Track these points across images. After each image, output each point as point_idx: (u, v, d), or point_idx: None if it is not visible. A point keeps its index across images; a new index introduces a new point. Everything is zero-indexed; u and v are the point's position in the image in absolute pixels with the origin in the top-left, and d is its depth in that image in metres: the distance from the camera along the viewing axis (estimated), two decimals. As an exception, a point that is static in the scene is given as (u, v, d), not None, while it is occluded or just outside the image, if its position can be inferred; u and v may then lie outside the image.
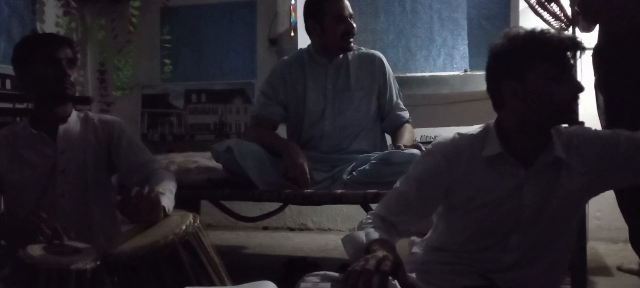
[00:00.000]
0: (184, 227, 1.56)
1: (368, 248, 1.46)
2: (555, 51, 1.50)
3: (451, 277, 1.63)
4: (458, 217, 1.65)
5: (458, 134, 1.67)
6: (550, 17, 2.91)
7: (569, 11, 2.81)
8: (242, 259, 3.46)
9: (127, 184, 2.12)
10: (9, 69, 2.68)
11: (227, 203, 3.26)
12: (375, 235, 1.52)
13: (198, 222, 1.61)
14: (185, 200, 2.17)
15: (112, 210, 2.09)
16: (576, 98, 1.55)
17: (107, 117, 2.20)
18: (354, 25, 2.64)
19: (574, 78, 1.56)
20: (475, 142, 1.62)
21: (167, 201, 1.77)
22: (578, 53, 1.56)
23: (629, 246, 2.87)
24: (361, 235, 1.54)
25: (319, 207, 3.75)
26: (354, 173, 2.46)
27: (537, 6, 2.87)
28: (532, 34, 1.53)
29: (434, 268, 1.67)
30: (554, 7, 2.84)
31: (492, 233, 1.62)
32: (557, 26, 2.93)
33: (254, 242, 3.90)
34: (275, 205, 3.40)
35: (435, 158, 1.64)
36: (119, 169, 2.10)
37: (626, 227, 2.84)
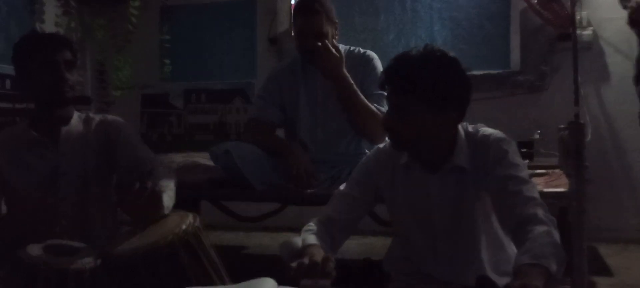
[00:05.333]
0: (184, 227, 1.56)
1: (302, 252, 1.54)
2: None
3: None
4: (395, 223, 1.80)
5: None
6: (551, 17, 2.90)
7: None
8: (242, 259, 3.46)
9: (126, 183, 2.11)
10: (9, 69, 2.67)
11: (227, 203, 3.26)
12: (310, 240, 1.60)
13: (198, 222, 1.61)
14: (185, 200, 2.16)
15: (113, 210, 2.09)
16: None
17: (108, 116, 2.17)
18: (324, 41, 2.46)
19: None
20: None
21: (167, 199, 1.76)
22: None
23: (629, 246, 2.87)
24: (298, 240, 1.63)
25: (319, 207, 3.74)
26: (354, 172, 2.45)
27: (537, 6, 2.87)
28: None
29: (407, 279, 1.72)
30: (555, 6, 2.83)
31: (420, 240, 1.70)
32: (557, 26, 2.93)
33: (254, 242, 3.90)
34: (275, 205, 3.39)
35: (369, 159, 1.81)
36: (119, 168, 2.09)
37: (626, 227, 2.83)
